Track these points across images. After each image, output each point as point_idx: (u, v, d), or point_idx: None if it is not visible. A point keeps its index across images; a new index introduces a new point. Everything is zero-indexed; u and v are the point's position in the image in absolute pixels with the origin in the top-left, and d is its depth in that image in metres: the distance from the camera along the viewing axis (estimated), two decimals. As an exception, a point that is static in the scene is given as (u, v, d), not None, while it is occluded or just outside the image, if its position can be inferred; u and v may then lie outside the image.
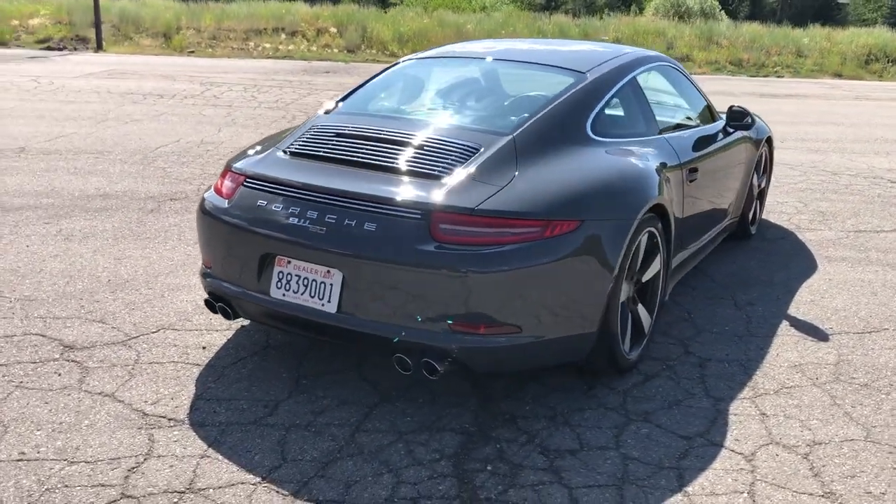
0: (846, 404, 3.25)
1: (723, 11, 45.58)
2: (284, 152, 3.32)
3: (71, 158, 7.18)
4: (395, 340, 2.83)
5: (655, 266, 3.54)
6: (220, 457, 2.75)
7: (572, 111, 3.45)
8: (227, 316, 3.28)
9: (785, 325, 4.03)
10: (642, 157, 3.52)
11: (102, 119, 9.19)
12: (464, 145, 3.14)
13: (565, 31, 22.94)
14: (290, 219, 2.99)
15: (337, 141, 3.28)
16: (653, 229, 3.40)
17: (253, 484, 2.61)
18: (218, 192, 3.31)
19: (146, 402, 3.09)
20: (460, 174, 2.99)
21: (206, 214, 3.26)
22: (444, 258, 2.77)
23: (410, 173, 3.03)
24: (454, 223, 2.82)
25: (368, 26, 22.90)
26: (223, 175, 3.35)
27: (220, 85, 12.71)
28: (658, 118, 4.07)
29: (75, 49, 20.69)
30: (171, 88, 12.00)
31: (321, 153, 3.23)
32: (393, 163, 3.08)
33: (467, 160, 3.06)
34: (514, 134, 3.22)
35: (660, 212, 3.47)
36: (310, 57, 21.04)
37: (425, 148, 3.15)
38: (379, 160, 3.11)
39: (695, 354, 3.67)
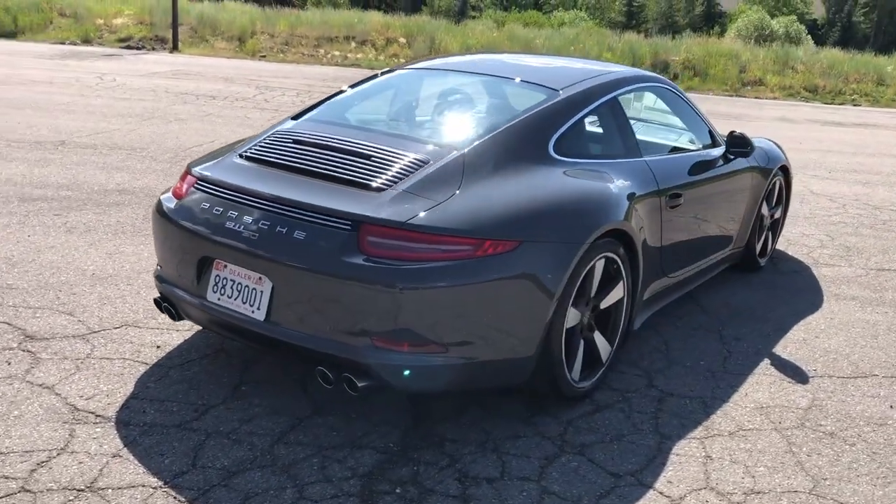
0: (802, 452, 3.05)
1: (809, 36, 44.32)
2: (240, 156, 3.31)
3: (105, 154, 7.38)
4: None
5: (617, 293, 3.40)
6: (132, 457, 2.74)
7: (534, 129, 3.35)
8: (172, 317, 3.29)
9: (766, 363, 3.83)
10: (605, 180, 3.39)
11: (149, 117, 9.43)
12: (411, 158, 3.08)
13: (634, 50, 22.66)
14: (228, 223, 2.98)
15: (291, 148, 3.26)
16: (612, 255, 3.27)
17: (154, 487, 2.59)
18: (174, 193, 3.33)
19: (81, 397, 3.11)
20: (400, 187, 2.93)
21: (158, 214, 3.28)
22: (369, 271, 2.71)
23: (352, 184, 2.98)
24: (383, 236, 2.76)
25: (437, 38, 23.02)
26: (182, 177, 3.36)
27: (274, 89, 12.93)
28: (644, 140, 3.92)
29: (153, 49, 21.39)
30: (225, 90, 12.27)
31: (273, 159, 3.21)
32: (339, 172, 3.04)
33: (411, 174, 3.00)
34: (465, 149, 3.14)
35: (622, 237, 3.34)
36: (376, 66, 21.24)
37: (373, 159, 3.10)
38: (326, 169, 3.07)
39: (657, 388, 3.51)
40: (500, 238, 2.84)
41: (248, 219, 2.94)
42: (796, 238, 6.05)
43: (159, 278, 3.32)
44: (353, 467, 2.78)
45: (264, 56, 21.92)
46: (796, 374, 3.73)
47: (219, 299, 3.02)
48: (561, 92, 3.60)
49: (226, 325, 3.03)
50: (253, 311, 2.92)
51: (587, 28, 34.41)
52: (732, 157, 4.43)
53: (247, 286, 2.94)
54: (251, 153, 3.29)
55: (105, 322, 3.78)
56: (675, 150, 4.44)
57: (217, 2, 26.83)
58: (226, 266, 3.00)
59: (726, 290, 4.82)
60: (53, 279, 4.26)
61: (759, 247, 5.08)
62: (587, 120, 3.63)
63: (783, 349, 4.01)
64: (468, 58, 4.36)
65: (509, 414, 3.20)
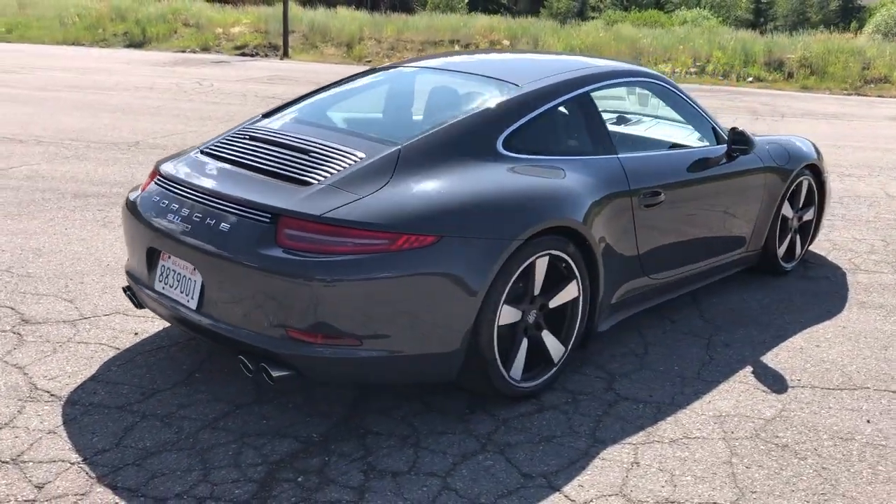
0: (741, 464, 2.90)
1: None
2: (201, 152, 3.45)
3: (169, 154, 7.77)
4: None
5: (570, 293, 3.32)
6: (65, 434, 2.91)
7: (481, 125, 3.32)
8: (135, 305, 3.45)
9: (746, 372, 3.64)
10: (556, 177, 3.32)
11: (227, 120, 9.85)
12: (348, 154, 3.12)
13: (747, 48, 21.80)
14: (170, 215, 3.11)
15: (245, 144, 3.36)
16: (559, 253, 3.20)
17: (71, 463, 2.74)
18: (142, 187, 3.50)
19: (45, 377, 3.32)
20: (328, 182, 2.98)
21: (123, 207, 3.45)
22: (283, 263, 2.77)
23: (287, 178, 3.05)
24: (298, 229, 2.82)
25: (541, 39, 22.90)
26: (151, 172, 3.53)
27: (360, 92, 13.21)
28: (628, 136, 3.81)
29: (266, 55, 22.33)
30: (312, 94, 12.63)
31: (226, 155, 3.32)
32: (277, 168, 3.12)
33: (344, 169, 3.04)
34: (402, 144, 3.15)
35: (574, 235, 3.26)
36: (477, 68, 21.26)
37: (312, 154, 3.16)
38: (267, 164, 3.15)
39: (615, 392, 3.41)
40: (418, 232, 2.84)
41: (186, 211, 3.07)
42: (845, 242, 5.69)
43: (126, 268, 3.49)
44: (267, 455, 2.84)
45: (370, 61, 22.44)
46: (775, 384, 3.53)
47: (163, 288, 3.16)
48: (523, 87, 3.55)
49: (169, 313, 3.16)
50: (188, 301, 3.04)
51: (708, 26, 33.37)
52: (735, 154, 4.22)
53: (184, 276, 3.06)
54: (209, 149, 3.42)
55: (98, 309, 4.01)
56: (672, 146, 4.28)
57: (330, 9, 27.67)
58: (169, 257, 3.13)
59: (736, 293, 4.60)
60: (70, 269, 4.55)
61: (781, 250, 4.81)
62: (550, 115, 3.56)
63: (773, 357, 3.79)
64: (453, 56, 4.35)
65: (448, 410, 3.19)
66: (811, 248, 5.46)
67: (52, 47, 21.43)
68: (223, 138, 3.49)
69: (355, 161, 3.07)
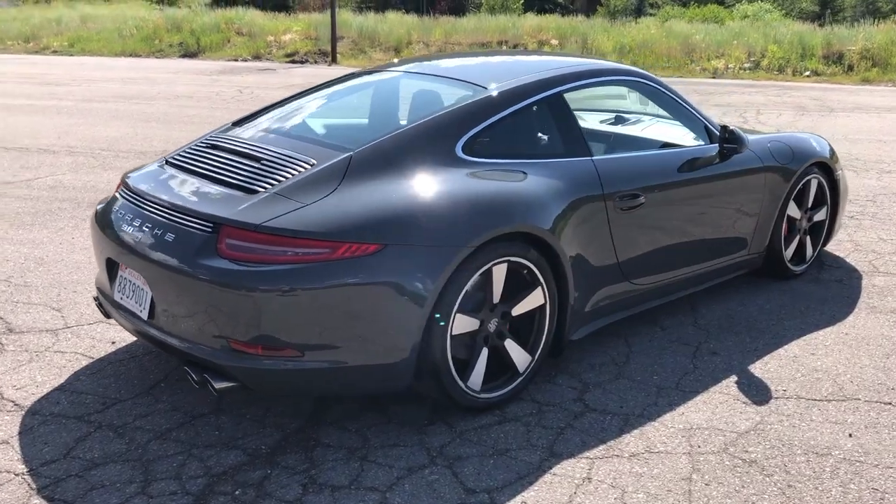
0: (701, 481, 2.75)
1: None
2: (165, 162, 3.45)
3: (195, 162, 7.87)
4: None
5: (535, 300, 3.22)
6: (17, 444, 2.93)
7: (439, 129, 3.24)
8: (104, 315, 3.47)
9: (729, 382, 3.47)
10: (518, 181, 3.22)
11: (259, 126, 9.92)
12: (298, 161, 3.08)
13: (804, 41, 21.12)
14: (125, 226, 3.12)
15: (205, 153, 3.35)
16: (520, 259, 3.10)
17: (16, 474, 2.76)
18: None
19: (14, 386, 3.36)
20: (274, 190, 2.94)
21: (92, 218, 3.48)
22: (223, 274, 2.75)
23: (237, 187, 3.02)
24: (238, 238, 2.78)
25: (590, 38, 22.59)
26: (118, 183, 3.55)
27: (397, 96, 13.21)
28: (619, 137, 3.68)
29: (315, 62, 22.58)
30: (348, 99, 12.69)
31: (185, 164, 3.32)
32: (229, 177, 3.09)
33: (292, 176, 3.00)
34: (354, 151, 3.09)
35: (536, 241, 3.16)
36: (524, 69, 21.13)
37: (264, 162, 3.13)
38: (221, 174, 3.13)
39: (584, 403, 3.28)
40: (360, 241, 2.78)
41: (139, 222, 3.07)
42: (869, 243, 5.42)
43: (96, 278, 3.52)
44: (210, 467, 2.81)
45: (417, 64, 22.42)
46: (757, 395, 3.36)
47: (121, 299, 3.17)
48: (488, 90, 3.46)
49: (127, 323, 3.16)
50: (141, 311, 3.04)
51: (768, 20, 32.53)
52: (728, 153, 4.05)
53: (137, 286, 3.06)
54: (173, 159, 3.42)
55: (83, 319, 4.05)
56: (664, 146, 4.12)
57: (380, 14, 27.84)
58: (126, 268, 3.13)
59: (737, 298, 4.41)
60: (67, 278, 4.62)
61: (789, 252, 4.60)
62: (516, 118, 3.45)
63: (761, 366, 3.62)
64: (435, 59, 4.26)
65: (406, 422, 3.12)
66: (829, 248, 5.22)
67: (109, 59, 22.04)
68: (188, 147, 3.49)
69: (305, 168, 3.03)
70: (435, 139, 3.20)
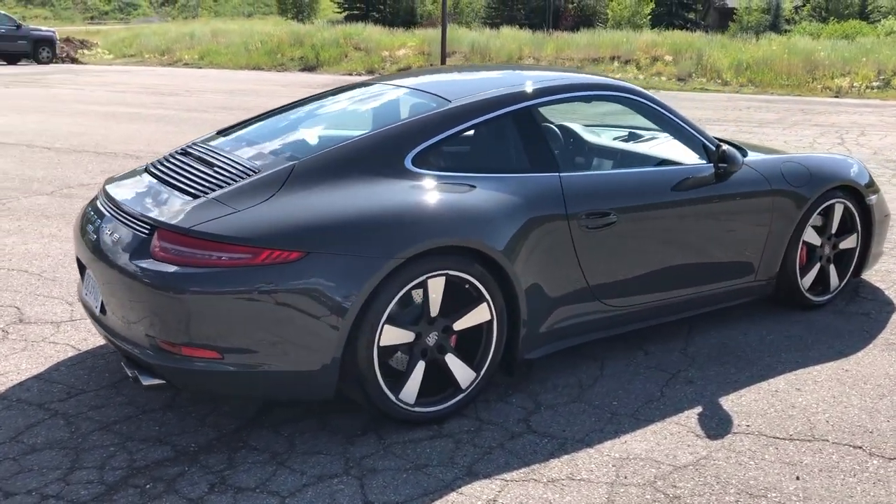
0: (610, 513, 2.63)
1: None
2: (145, 169, 3.61)
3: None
4: None
5: (479, 316, 3.18)
6: (-27, 427, 3.14)
7: (388, 141, 3.24)
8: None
9: (691, 413, 3.30)
10: (462, 194, 3.18)
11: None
12: (244, 168, 3.16)
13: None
14: (90, 227, 3.30)
15: (175, 160, 3.49)
16: (459, 273, 3.07)
17: (-42, 454, 2.95)
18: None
19: (-3, 373, 3.60)
20: (214, 195, 3.03)
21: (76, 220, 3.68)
22: (152, 274, 2.85)
23: (185, 192, 3.13)
24: (169, 241, 2.89)
25: (705, 54, 21.95)
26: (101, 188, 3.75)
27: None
28: (577, 153, 3.59)
29: (425, 76, 22.89)
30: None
31: (156, 171, 3.46)
32: (183, 182, 3.20)
33: (234, 183, 3.08)
34: (298, 160, 3.15)
35: (484, 256, 3.12)
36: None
37: (216, 168, 3.23)
38: (177, 179, 3.25)
39: (527, 424, 3.20)
40: (282, 248, 2.83)
41: (99, 223, 3.24)
42: (919, 275, 5.02)
43: (81, 276, 3.72)
44: (135, 460, 2.92)
45: (526, 79, 22.42)
46: (715, 428, 3.18)
47: (86, 295, 3.34)
48: (452, 103, 3.44)
49: (90, 320, 3.33)
50: (96, 308, 3.20)
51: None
52: (722, 173, 3.85)
53: (94, 285, 3.22)
54: (151, 165, 3.58)
55: (89, 313, 4.28)
56: (661, 163, 3.97)
57: (494, 29, 28.00)
58: (87, 266, 3.30)
59: (740, 326, 4.19)
60: (93, 275, 4.89)
61: (806, 281, 4.32)
62: (476, 131, 3.42)
63: (734, 399, 3.42)
64: (422, 73, 4.25)
65: (340, 430, 3.14)
66: (873, 279, 4.87)
67: (231, 72, 23.20)
68: (167, 155, 3.64)
69: (248, 176, 3.10)
70: (383, 151, 3.21)
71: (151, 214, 2.99)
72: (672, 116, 3.90)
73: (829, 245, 4.39)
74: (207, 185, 3.11)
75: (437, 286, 3.05)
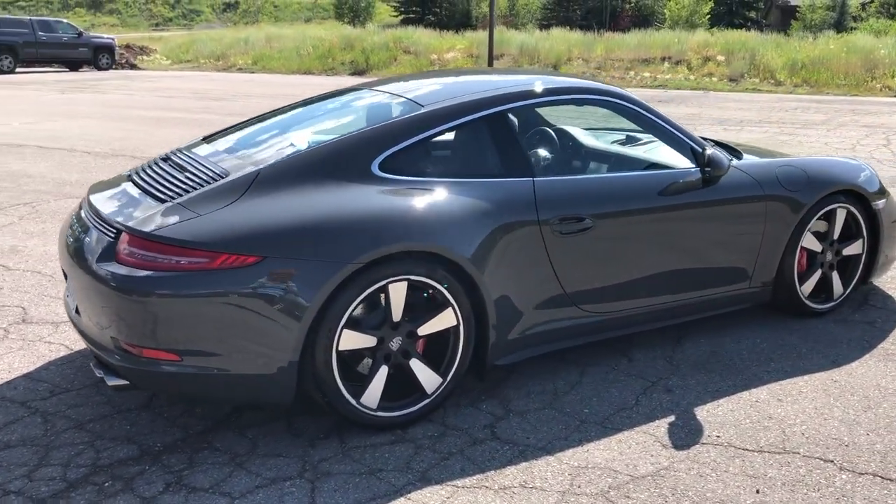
0: (554, 523, 2.60)
1: None
2: (128, 175, 3.69)
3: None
4: None
5: (445, 321, 3.17)
6: (-45, 422, 3.26)
7: (354, 147, 3.26)
8: (75, 313, 3.77)
9: (663, 422, 3.24)
10: (429, 200, 3.17)
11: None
12: (211, 174, 3.21)
13: None
14: (69, 230, 3.39)
15: (154, 165, 3.56)
16: (421, 278, 3.07)
17: (-64, 448, 3.07)
18: (80, 208, 3.81)
19: (-10, 371, 3.72)
20: (179, 200, 3.08)
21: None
22: (115, 277, 2.92)
23: (154, 197, 3.19)
24: (132, 245, 2.95)
25: (758, 53, 21.49)
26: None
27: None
28: (564, 157, 3.56)
29: (473, 79, 22.89)
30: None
31: (135, 175, 3.54)
32: (155, 187, 3.26)
33: (200, 188, 3.13)
34: (263, 165, 3.18)
35: (449, 261, 3.11)
36: (683, 86, 20.56)
37: (186, 174, 3.28)
38: (152, 185, 3.31)
39: (492, 430, 3.18)
40: (239, 252, 2.87)
41: (77, 227, 3.32)
42: (937, 283, 4.83)
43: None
44: (100, 458, 2.99)
45: (574, 81, 22.24)
46: (684, 439, 3.11)
47: (67, 297, 3.44)
48: (424, 108, 3.44)
49: (71, 322, 3.42)
50: (72, 310, 3.29)
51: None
52: (709, 177, 3.77)
53: (73, 287, 3.31)
54: (133, 171, 3.66)
55: (89, 314, 4.40)
56: (649, 167, 3.91)
57: (544, 31, 27.85)
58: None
59: (734, 333, 4.10)
60: (102, 276, 5.02)
61: (806, 288, 4.20)
62: (446, 136, 3.41)
63: (711, 409, 3.34)
64: (410, 78, 4.25)
65: (304, 433, 3.16)
66: (887, 287, 4.71)
67: (283, 76, 23.57)
68: (150, 161, 3.72)
69: (213, 180, 3.15)
70: (348, 157, 3.23)
71: (118, 219, 3.06)
72: (657, 119, 3.83)
73: (832, 251, 4.26)
74: (176, 190, 3.16)
75: (398, 291, 3.05)
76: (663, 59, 23.06)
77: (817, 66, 20.62)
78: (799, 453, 3.00)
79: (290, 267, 2.89)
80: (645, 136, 4.49)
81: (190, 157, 3.48)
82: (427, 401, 3.21)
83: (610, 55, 23.68)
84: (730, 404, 3.38)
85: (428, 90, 3.74)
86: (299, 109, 4.01)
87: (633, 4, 56.65)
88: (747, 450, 3.03)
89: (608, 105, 3.82)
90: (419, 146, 3.33)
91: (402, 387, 3.19)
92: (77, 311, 3.23)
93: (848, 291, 4.38)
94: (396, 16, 50.83)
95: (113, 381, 2.99)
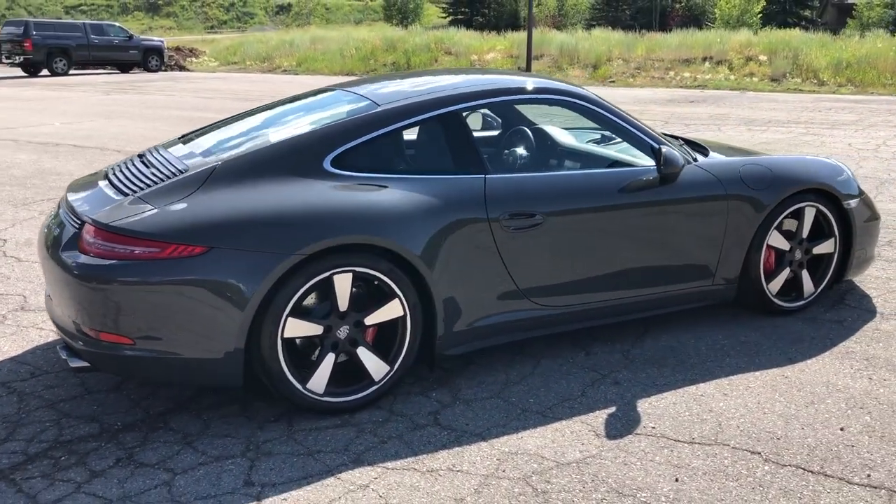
0: (470, 502, 2.72)
1: None
2: (104, 171, 3.90)
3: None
4: None
5: (392, 311, 3.31)
6: (-59, 400, 3.50)
7: (308, 144, 3.41)
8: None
9: (602, 413, 3.32)
10: (376, 195, 3.31)
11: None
12: (172, 169, 3.39)
13: None
14: (46, 223, 3.61)
15: (130, 164, 3.76)
16: (366, 270, 3.21)
17: (-81, 422, 3.31)
18: (64, 203, 4.04)
19: (-18, 354, 3.97)
20: (139, 193, 3.27)
21: (50, 218, 4.01)
22: (76, 265, 3.12)
23: (119, 191, 3.39)
24: (93, 235, 3.15)
25: (802, 53, 21.13)
26: (67, 191, 4.06)
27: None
28: (517, 155, 3.67)
29: (512, 79, 22.95)
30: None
31: (110, 171, 3.75)
32: (122, 182, 3.46)
33: (160, 182, 3.31)
34: (219, 161, 3.36)
35: (394, 253, 3.25)
36: (723, 86, 20.36)
37: (151, 169, 3.48)
38: (120, 179, 3.51)
39: (434, 417, 3.31)
40: (186, 242, 3.04)
41: (52, 219, 3.55)
42: (920, 283, 4.80)
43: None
44: (63, 435, 3.20)
45: (613, 81, 22.23)
46: (618, 429, 3.19)
47: (47, 286, 3.66)
48: (380, 106, 3.58)
49: (47, 309, 3.65)
50: (50, 297, 3.51)
51: None
52: (667, 175, 3.83)
53: (45, 277, 3.53)
54: (109, 169, 3.87)
55: (84, 303, 4.64)
56: (612, 165, 3.99)
57: (586, 31, 27.74)
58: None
59: (696, 330, 4.15)
60: (103, 268, 5.28)
61: (774, 286, 4.23)
62: (399, 134, 3.55)
63: (653, 402, 3.41)
64: (383, 78, 4.39)
65: (257, 416, 3.32)
66: (868, 287, 4.70)
67: (326, 77, 23.91)
68: (127, 159, 3.92)
69: (173, 175, 3.33)
70: (301, 153, 3.38)
71: (83, 211, 3.26)
72: (614, 118, 3.91)
73: (801, 250, 4.28)
74: (139, 185, 3.35)
75: (343, 282, 3.19)
76: (704, 59, 22.82)
77: (864, 65, 20.20)
78: (729, 445, 3.06)
79: (236, 257, 3.05)
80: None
81: (160, 154, 3.67)
82: (375, 387, 3.35)
83: (650, 55, 23.51)
84: (674, 397, 3.45)
85: (391, 90, 3.87)
86: (275, 109, 4.18)
87: (683, 4, 55.95)
88: (678, 441, 3.10)
89: (564, 104, 3.90)
90: (372, 143, 3.47)
91: (353, 374, 3.33)
92: (49, 298, 3.44)
93: (819, 290, 4.39)
94: (445, 17, 51.08)
95: (75, 363, 3.19)
